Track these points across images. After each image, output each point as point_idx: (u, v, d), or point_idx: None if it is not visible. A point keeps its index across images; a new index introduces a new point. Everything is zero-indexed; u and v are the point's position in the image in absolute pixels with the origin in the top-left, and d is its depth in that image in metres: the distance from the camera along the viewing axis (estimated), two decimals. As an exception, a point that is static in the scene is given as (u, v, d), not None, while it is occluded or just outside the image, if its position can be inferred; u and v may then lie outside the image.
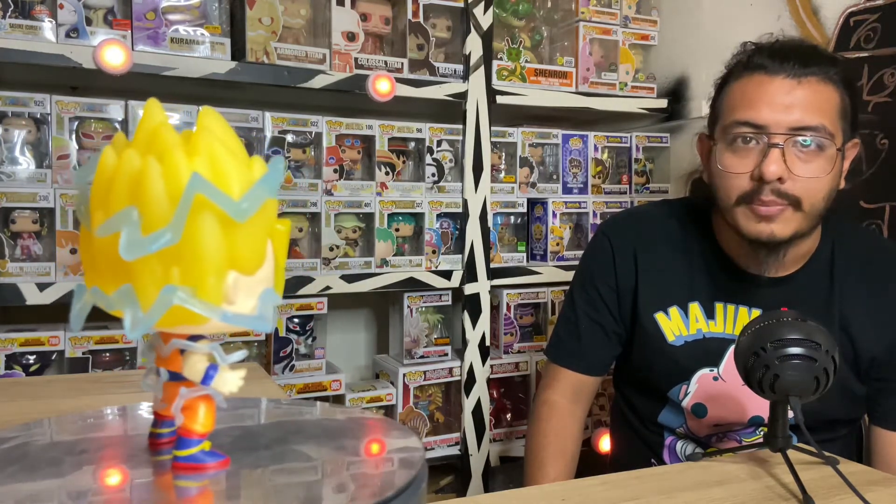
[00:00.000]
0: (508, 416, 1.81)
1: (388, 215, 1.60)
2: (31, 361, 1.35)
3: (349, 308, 1.88)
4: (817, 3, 1.57)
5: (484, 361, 1.70)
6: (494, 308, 1.76)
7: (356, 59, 1.53)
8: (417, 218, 1.66)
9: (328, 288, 1.54)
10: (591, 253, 1.25)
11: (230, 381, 0.48)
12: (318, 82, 1.48)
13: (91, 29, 1.32)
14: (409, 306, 1.66)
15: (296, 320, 1.57)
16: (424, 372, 1.67)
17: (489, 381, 1.72)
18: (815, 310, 1.06)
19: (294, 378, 1.55)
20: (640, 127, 2.00)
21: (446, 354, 1.72)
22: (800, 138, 0.98)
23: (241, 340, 1.53)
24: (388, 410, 1.66)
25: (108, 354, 1.40)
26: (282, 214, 1.51)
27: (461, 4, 1.64)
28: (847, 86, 1.02)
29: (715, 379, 1.11)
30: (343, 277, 1.55)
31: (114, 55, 1.29)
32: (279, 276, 0.49)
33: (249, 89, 1.50)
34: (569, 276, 1.35)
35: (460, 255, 1.68)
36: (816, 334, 0.76)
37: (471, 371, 1.69)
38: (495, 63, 1.68)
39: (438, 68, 1.63)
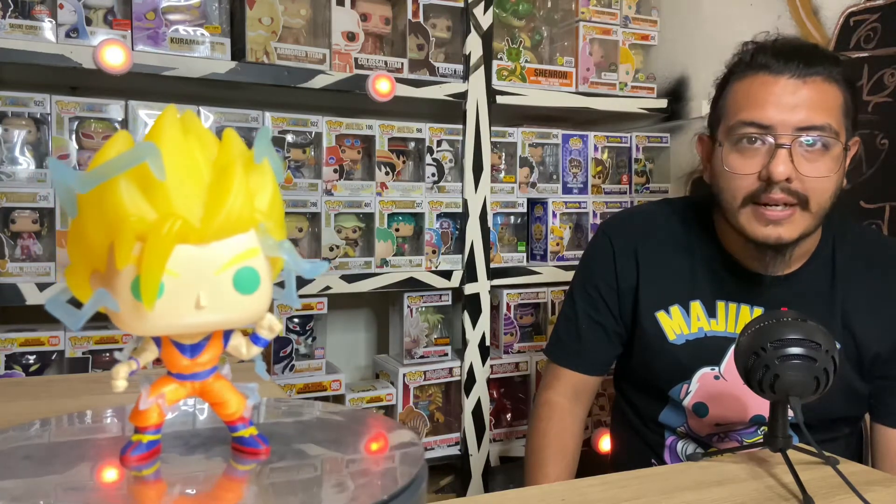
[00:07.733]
0: (508, 416, 1.81)
1: (388, 215, 1.60)
2: (31, 361, 1.35)
3: (349, 308, 1.88)
4: (817, 3, 1.57)
5: (484, 361, 1.70)
6: (494, 308, 1.76)
7: (356, 59, 1.53)
8: (417, 218, 1.65)
9: (328, 288, 1.54)
10: (591, 252, 1.24)
11: (113, 378, 0.50)
12: (318, 82, 1.48)
13: (91, 29, 1.32)
14: (409, 306, 1.66)
15: (296, 320, 1.57)
16: (424, 372, 1.67)
17: (489, 381, 1.72)
18: (817, 307, 1.06)
19: (294, 378, 1.55)
20: (640, 127, 2.00)
21: (446, 354, 1.72)
22: (806, 138, 0.98)
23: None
24: (388, 410, 1.66)
25: (108, 354, 1.40)
26: (282, 214, 1.51)
27: (461, 4, 1.64)
28: (849, 84, 1.02)
29: (716, 378, 1.10)
30: (343, 277, 1.55)
31: (114, 55, 1.29)
32: (143, 278, 0.44)
33: (249, 89, 1.50)
34: (569, 276, 1.35)
35: (460, 255, 1.68)
36: (816, 334, 0.76)
37: (471, 371, 1.69)
38: (495, 63, 1.68)
39: (438, 68, 1.63)
